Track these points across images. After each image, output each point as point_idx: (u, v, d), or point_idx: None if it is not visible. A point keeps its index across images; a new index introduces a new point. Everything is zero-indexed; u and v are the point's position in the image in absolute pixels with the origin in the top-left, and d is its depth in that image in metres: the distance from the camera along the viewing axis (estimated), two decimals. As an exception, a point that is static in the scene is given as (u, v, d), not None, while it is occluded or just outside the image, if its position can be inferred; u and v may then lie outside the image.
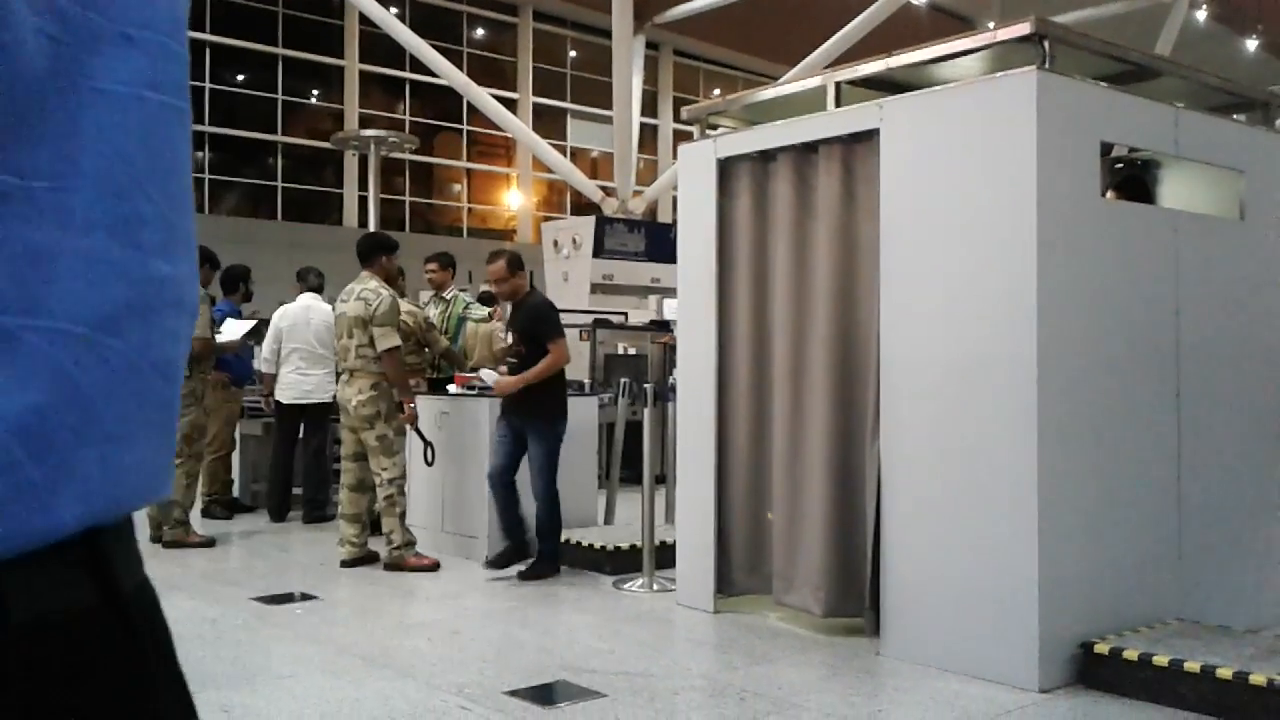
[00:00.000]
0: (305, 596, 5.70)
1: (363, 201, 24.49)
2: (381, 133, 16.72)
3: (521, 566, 6.02)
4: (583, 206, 23.38)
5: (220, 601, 5.57)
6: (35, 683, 0.56)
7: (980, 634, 4.11)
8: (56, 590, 0.58)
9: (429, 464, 6.53)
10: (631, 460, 7.67)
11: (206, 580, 6.19)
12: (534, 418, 5.96)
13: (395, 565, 6.20)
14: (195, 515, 7.52)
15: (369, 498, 6.40)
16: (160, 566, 6.30)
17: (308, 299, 8.30)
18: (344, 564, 6.31)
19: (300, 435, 8.22)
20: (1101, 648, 3.93)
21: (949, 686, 4.03)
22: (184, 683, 0.67)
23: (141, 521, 6.64)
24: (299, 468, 8.29)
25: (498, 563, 5.98)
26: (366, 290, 6.28)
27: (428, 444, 6.48)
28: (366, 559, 6.34)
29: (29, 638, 0.56)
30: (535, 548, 6.05)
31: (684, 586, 5.40)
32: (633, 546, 6.09)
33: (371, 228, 15.55)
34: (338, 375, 6.86)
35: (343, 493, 6.42)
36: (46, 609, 0.57)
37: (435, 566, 6.24)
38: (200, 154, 24.16)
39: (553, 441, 5.98)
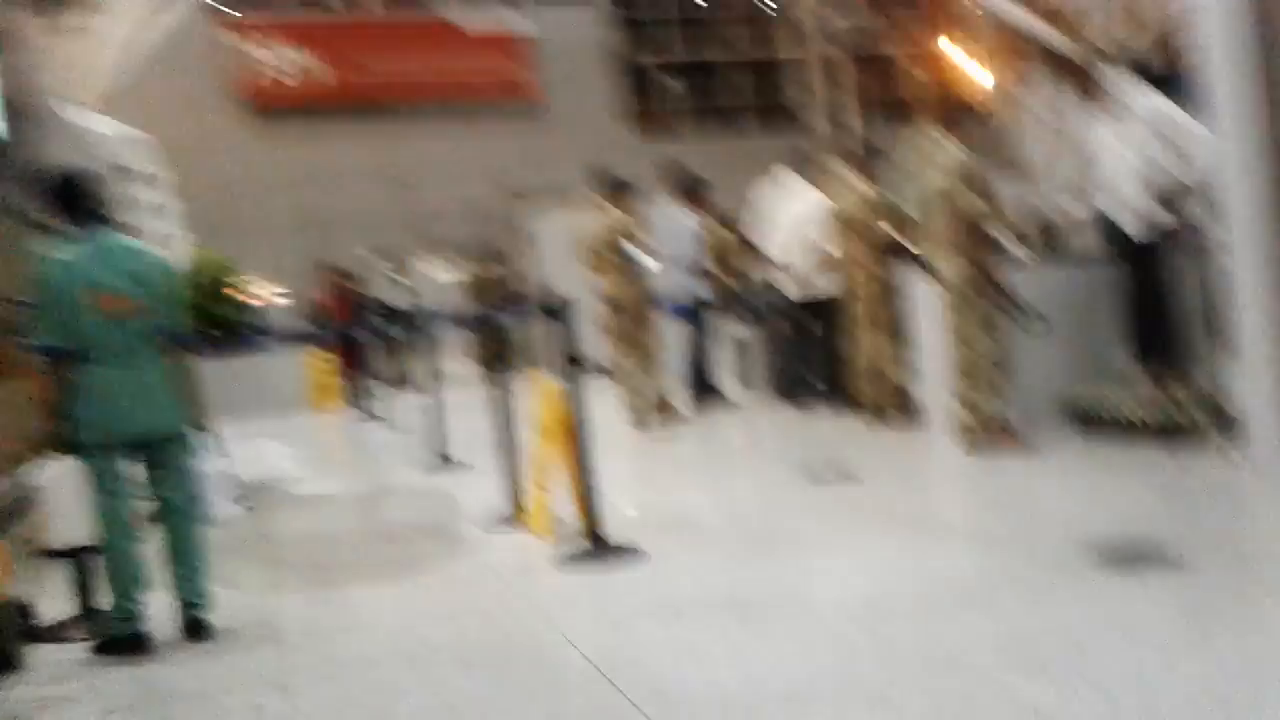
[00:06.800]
0: (847, 475, 5.88)
1: (825, 104, 25.47)
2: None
3: None
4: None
5: (774, 481, 6.23)
6: None
7: None
8: None
9: (1033, 335, 6.25)
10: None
11: (751, 462, 7.22)
12: None
13: (983, 441, 6.10)
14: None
15: (971, 377, 6.19)
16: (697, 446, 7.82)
17: (808, 194, 8.50)
18: (961, 447, 6.21)
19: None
20: None
21: None
22: None
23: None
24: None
25: None
26: (945, 157, 6.26)
27: (1026, 314, 6.20)
28: (979, 439, 6.17)
29: None
30: None
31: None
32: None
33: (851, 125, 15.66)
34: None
35: (953, 375, 6.25)
36: None
37: (1021, 446, 6.04)
38: (671, 82, 26.46)
39: None
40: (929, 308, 6.89)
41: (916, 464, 6.52)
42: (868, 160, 7.94)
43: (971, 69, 28.57)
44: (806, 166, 8.92)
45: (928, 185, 6.36)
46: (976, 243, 6.12)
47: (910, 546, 4.41)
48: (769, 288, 9.13)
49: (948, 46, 27.99)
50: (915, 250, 7.66)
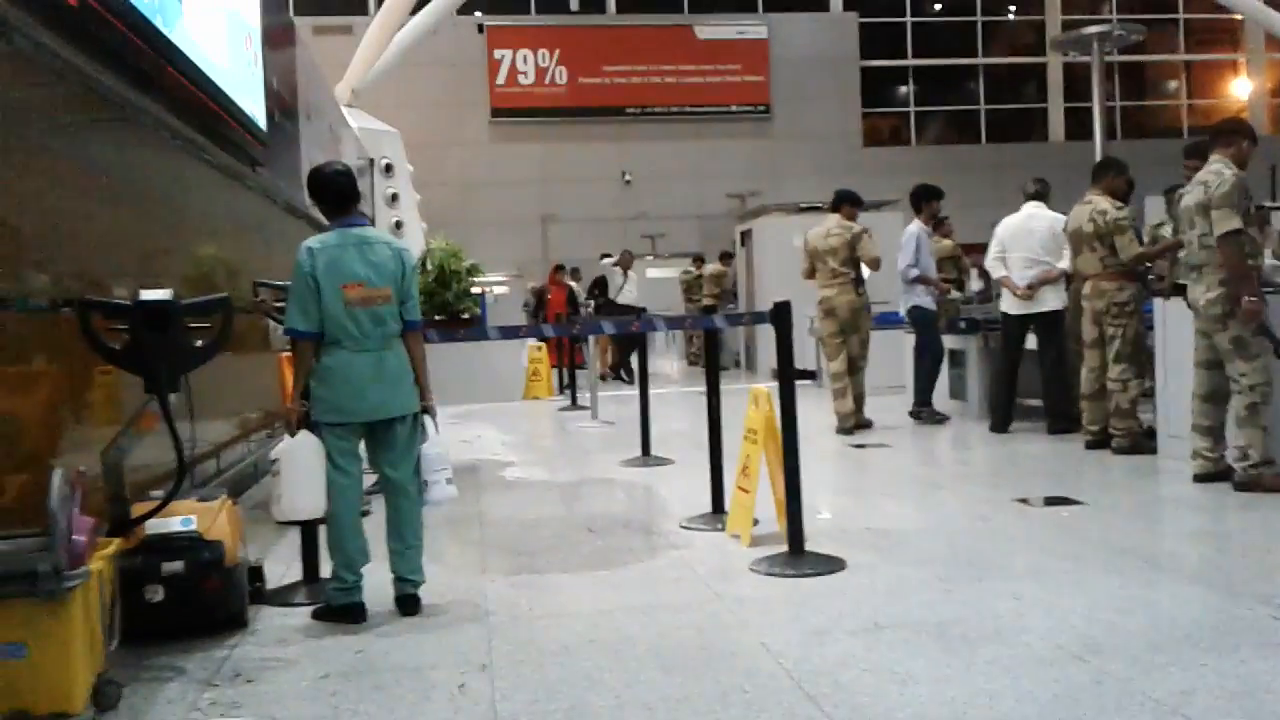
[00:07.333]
0: (1066, 500, 5.74)
1: (1069, 114, 25.50)
2: (1105, 28, 16.00)
3: None
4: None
5: (984, 501, 5.93)
6: None
7: None
8: None
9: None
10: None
11: (960, 481, 6.93)
12: None
13: (1250, 484, 5.65)
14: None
15: (1223, 409, 5.90)
16: (909, 461, 7.64)
17: (1030, 208, 8.45)
18: (1196, 478, 5.93)
19: (1035, 346, 8.34)
20: None
21: None
22: None
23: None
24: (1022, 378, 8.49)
25: None
26: (1208, 174, 5.81)
27: (1277, 342, 5.73)
28: (1220, 474, 5.86)
29: None
30: None
31: None
32: None
33: (1097, 138, 15.79)
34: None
35: (1194, 403, 5.98)
36: None
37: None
38: (904, 88, 26.53)
39: None
40: (1171, 329, 6.49)
41: (1144, 493, 6.14)
42: (1110, 175, 7.52)
43: (1235, 82, 26.65)
44: (1034, 180, 8.61)
45: (1186, 202, 5.95)
46: (1230, 262, 5.67)
47: (1134, 581, 4.15)
48: (987, 299, 8.83)
49: (1215, 61, 26.20)
50: (1158, 269, 7.24)
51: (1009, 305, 8.31)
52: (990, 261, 8.50)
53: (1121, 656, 3.28)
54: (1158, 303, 6.85)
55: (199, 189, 5.93)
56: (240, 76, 5.99)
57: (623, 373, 15.16)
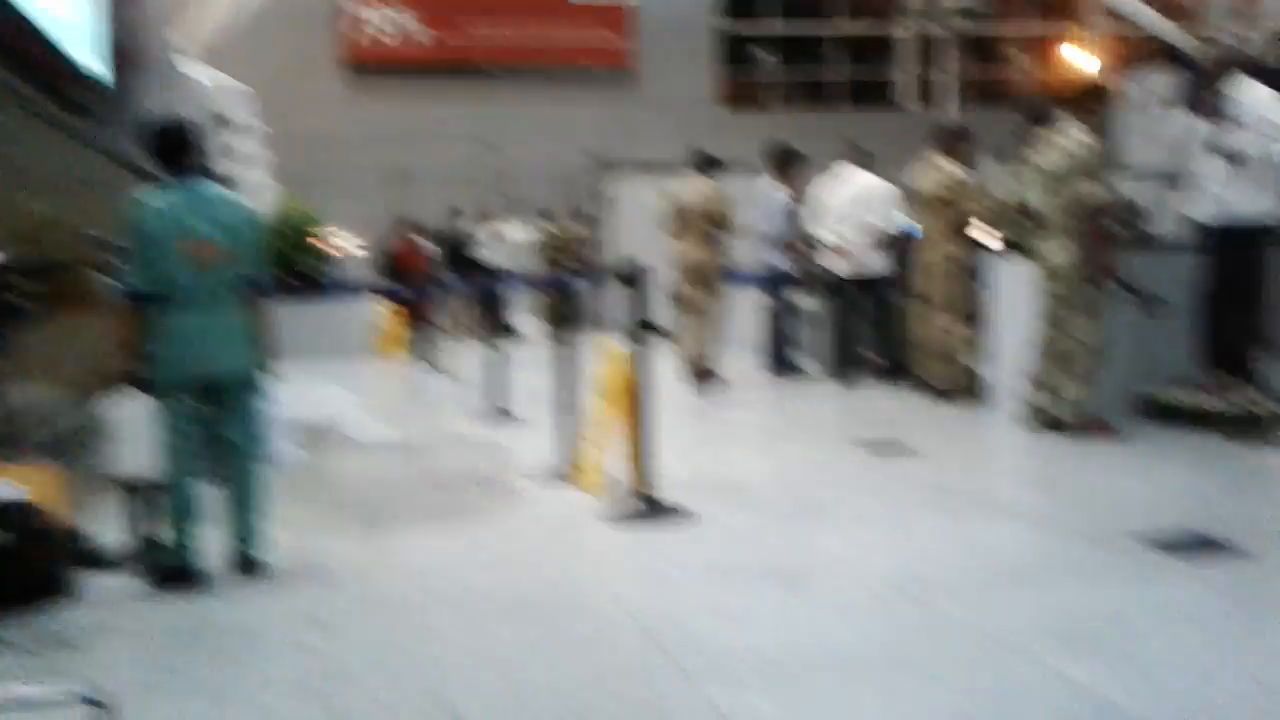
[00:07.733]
0: (902, 448, 5.91)
1: (923, 84, 25.44)
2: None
3: None
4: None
5: (826, 450, 6.21)
6: None
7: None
8: None
9: (1155, 317, 6.04)
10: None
11: (804, 432, 7.15)
12: None
13: (1073, 428, 5.95)
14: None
15: (1059, 364, 6.04)
16: (758, 415, 7.88)
17: (851, 173, 8.66)
18: (1028, 427, 6.15)
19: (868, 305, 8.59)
20: None
21: None
22: None
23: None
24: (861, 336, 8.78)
25: None
26: (1069, 142, 5.98)
27: (1146, 297, 6.00)
28: (1050, 423, 6.07)
29: None
30: None
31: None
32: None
33: (946, 106, 15.46)
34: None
35: (1034, 356, 6.14)
36: None
37: (1114, 432, 5.93)
38: (763, 53, 26.14)
39: None
40: (1012, 290, 6.73)
41: (978, 444, 6.40)
42: (957, 141, 7.76)
43: (1079, 56, 27.65)
44: (853, 146, 8.90)
45: (1045, 168, 6.11)
46: (1092, 228, 5.91)
47: (966, 524, 4.33)
48: (822, 265, 9.08)
49: (1057, 32, 27.08)
50: (1007, 233, 7.51)
51: (836, 267, 8.60)
52: (815, 226, 8.75)
53: (953, 594, 3.41)
54: (992, 261, 7.12)
55: (29, 142, 5.60)
56: (75, 25, 5.68)
57: (506, 329, 15.01)
